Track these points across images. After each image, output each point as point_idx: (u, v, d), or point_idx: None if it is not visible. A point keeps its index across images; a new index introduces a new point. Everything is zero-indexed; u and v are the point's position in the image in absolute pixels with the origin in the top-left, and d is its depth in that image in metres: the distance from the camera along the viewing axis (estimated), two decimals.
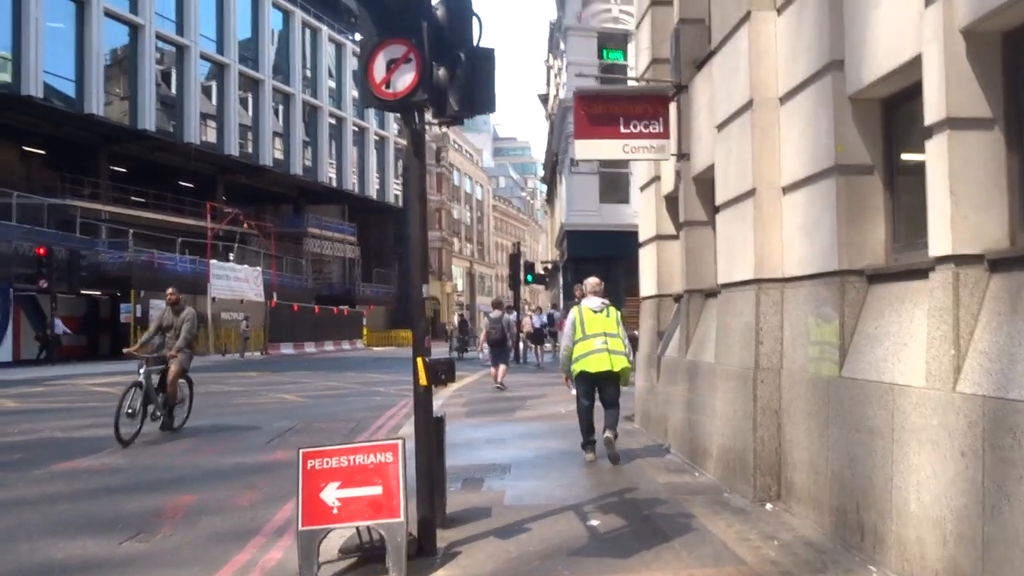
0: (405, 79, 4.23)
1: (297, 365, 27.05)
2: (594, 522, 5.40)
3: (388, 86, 4.28)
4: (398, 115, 4.49)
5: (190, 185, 47.12)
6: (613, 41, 26.79)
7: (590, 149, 8.22)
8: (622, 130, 8.02)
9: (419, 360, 4.91)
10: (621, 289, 28.35)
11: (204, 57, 42.59)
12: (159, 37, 39.60)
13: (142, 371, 10.07)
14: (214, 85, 44.24)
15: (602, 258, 27.46)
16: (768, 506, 5.62)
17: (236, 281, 38.60)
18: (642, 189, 10.18)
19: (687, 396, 7.59)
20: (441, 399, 13.83)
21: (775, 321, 5.73)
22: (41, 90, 33.42)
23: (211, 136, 44.17)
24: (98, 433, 10.36)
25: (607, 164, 27.66)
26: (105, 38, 36.29)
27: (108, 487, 7.14)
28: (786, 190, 5.69)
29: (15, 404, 14.21)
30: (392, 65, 4.24)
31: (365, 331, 50.23)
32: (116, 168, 44.55)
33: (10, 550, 5.24)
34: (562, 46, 30.27)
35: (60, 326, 29.30)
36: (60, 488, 7.17)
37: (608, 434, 7.47)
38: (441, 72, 4.47)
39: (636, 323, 10.49)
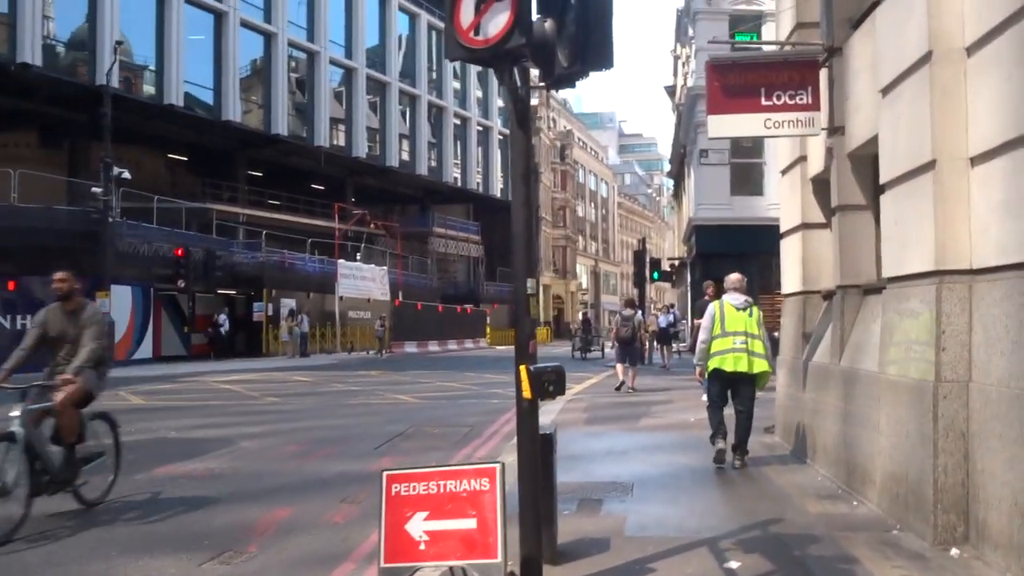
0: (497, 21, 3.46)
1: (418, 364, 26.94)
2: (733, 564, 4.50)
3: (477, 32, 3.52)
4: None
5: (321, 187, 48.34)
6: (745, 23, 25.26)
7: (726, 126, 7.25)
8: (763, 102, 7.01)
9: (522, 369, 4.15)
10: (754, 287, 26.81)
11: (334, 63, 43.49)
12: (291, 44, 40.67)
13: (17, 415, 5.85)
14: (343, 89, 45.15)
15: (733, 254, 25.93)
16: (953, 551, 4.55)
17: (363, 280, 39.16)
18: (784, 172, 9.06)
19: (841, 409, 6.51)
20: (560, 403, 13.07)
21: (962, 322, 4.64)
22: (182, 99, 34.85)
23: (340, 139, 45.12)
24: (208, 434, 10.19)
25: (739, 153, 26.19)
26: (241, 47, 37.52)
27: (206, 496, 6.76)
28: (976, 161, 4.60)
29: (142, 401, 14.44)
30: (482, 6, 3.49)
31: (488, 330, 50.14)
32: (253, 172, 46.28)
33: (83, 571, 4.84)
34: (690, 32, 28.91)
35: (225, 321, 30.68)
36: (156, 496, 6.85)
37: (737, 461, 7.24)
38: (547, 23, 3.70)
39: (771, 323, 9.58)
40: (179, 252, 27.37)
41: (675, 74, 44.65)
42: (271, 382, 18.93)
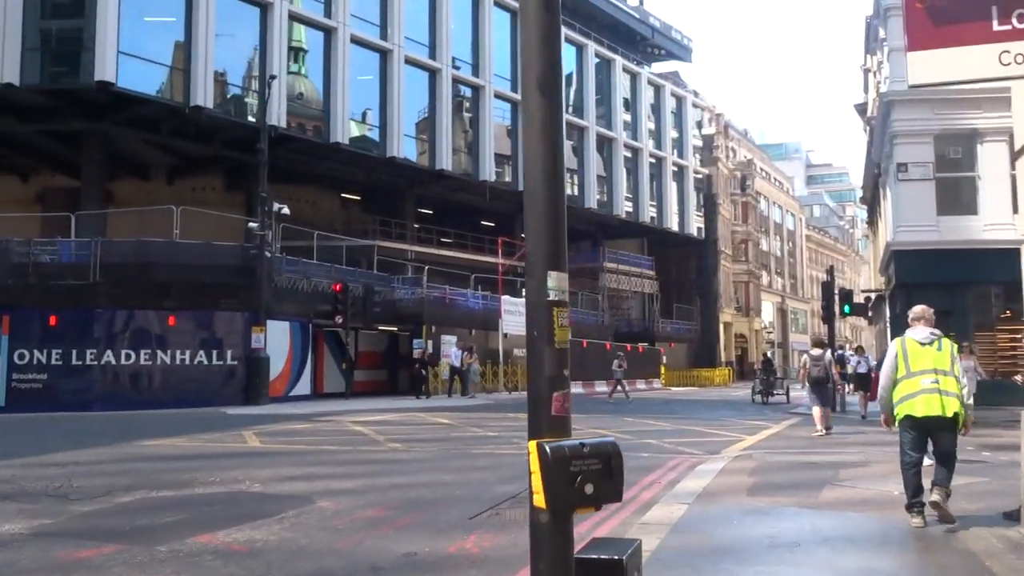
0: None
1: (577, 407, 24.84)
2: None
3: None
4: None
5: (491, 224, 47.81)
6: None
7: (935, 67, 4.96)
8: (996, 26, 4.58)
9: (532, 448, 2.22)
10: (969, 323, 22.77)
11: (499, 96, 42.94)
12: (456, 80, 40.47)
13: None
14: (508, 123, 44.47)
15: (942, 284, 22.21)
16: None
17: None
18: (1017, 157, 6.40)
19: None
20: (723, 460, 10.63)
21: None
22: (348, 138, 35.20)
23: (507, 174, 44.40)
24: (293, 489, 8.68)
25: (945, 167, 22.50)
26: (406, 85, 37.60)
27: None
28: None
29: (258, 443, 13.34)
30: None
31: (663, 369, 47.22)
32: (423, 210, 46.49)
33: None
34: (882, 34, 25.51)
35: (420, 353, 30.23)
36: None
37: (936, 496, 6.21)
38: None
39: (993, 364, 7.19)
40: (337, 288, 27.02)
41: (865, 89, 40.53)
42: (408, 424, 17.56)
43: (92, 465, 10.59)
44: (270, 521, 7.10)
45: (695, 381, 52.28)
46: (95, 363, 22.43)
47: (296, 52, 36.31)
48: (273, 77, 26.63)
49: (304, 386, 26.72)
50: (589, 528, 6.86)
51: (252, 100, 33.05)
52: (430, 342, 31.03)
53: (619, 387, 32.14)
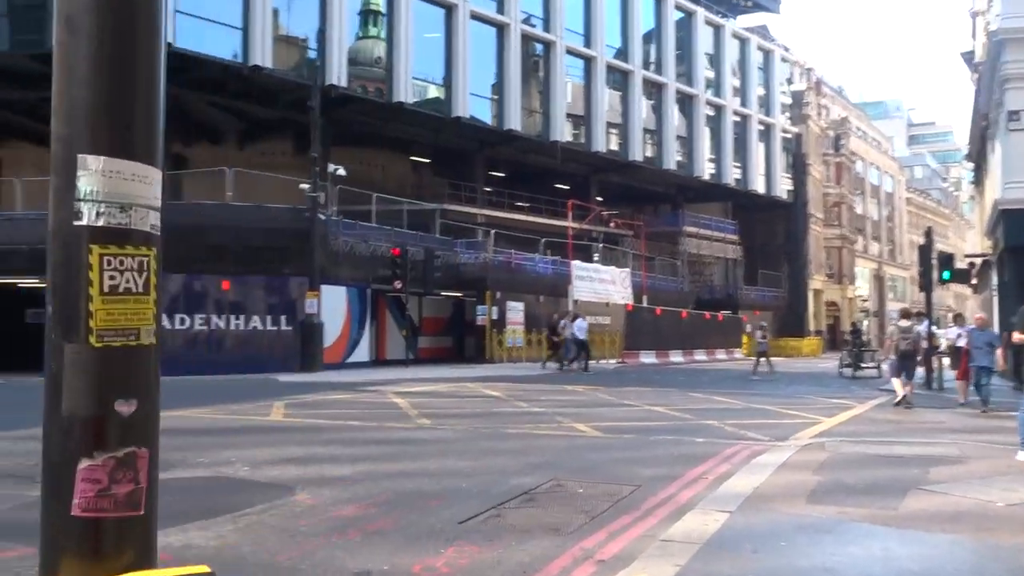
0: None
1: (641, 379, 23.36)
2: None
3: None
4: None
5: (565, 187, 46.26)
6: None
7: None
8: None
9: None
10: None
11: (571, 52, 41.09)
12: (525, 36, 38.82)
13: None
14: (582, 81, 42.61)
15: None
16: None
17: (601, 283, 36.18)
18: None
19: None
20: (788, 450, 9.10)
21: None
22: (411, 96, 34.09)
23: (582, 135, 42.67)
24: (283, 474, 7.62)
25: None
26: (471, 41, 36.20)
27: None
28: None
29: (279, 417, 12.41)
30: None
31: (745, 339, 44.96)
32: (495, 173, 45.24)
33: None
34: None
35: (566, 325, 26.74)
36: None
37: None
38: None
39: None
40: (395, 252, 26.08)
41: (974, 35, 37.04)
42: (452, 396, 16.47)
43: None
44: (227, 519, 6.03)
45: (781, 351, 49.72)
46: None
47: (368, 15, 35.37)
48: (322, 31, 25.55)
49: (362, 352, 26.00)
50: (602, 539, 5.55)
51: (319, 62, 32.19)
52: (495, 308, 29.92)
53: (762, 361, 26.31)
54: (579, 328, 26.38)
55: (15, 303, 25.35)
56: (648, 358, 33.14)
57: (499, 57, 37.79)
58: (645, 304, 37.22)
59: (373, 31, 35.07)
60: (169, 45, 26.73)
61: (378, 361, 27.35)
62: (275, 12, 29.94)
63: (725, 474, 7.85)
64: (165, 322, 22.15)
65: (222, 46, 29.17)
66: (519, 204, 45.11)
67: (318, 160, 23.97)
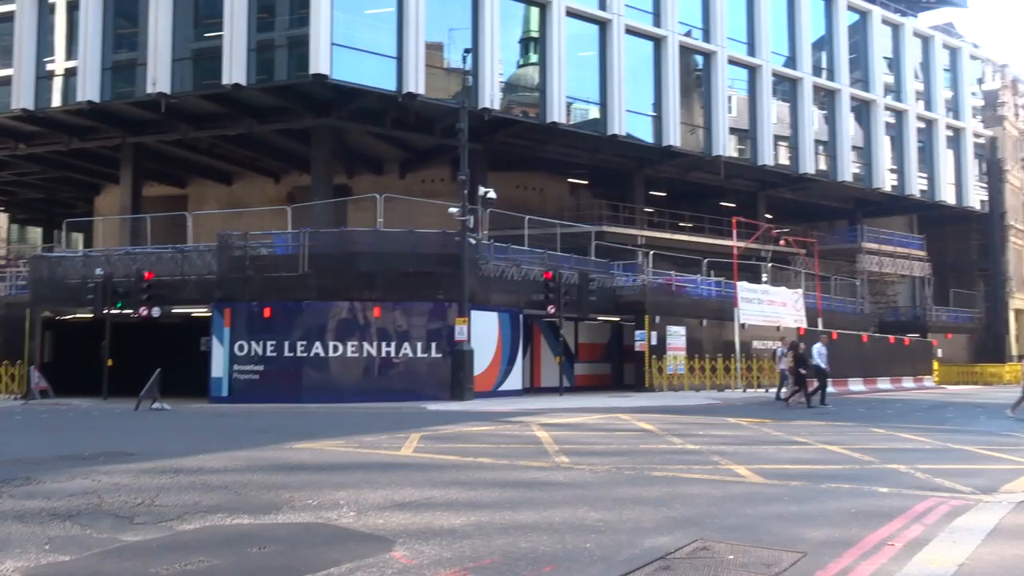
0: None
1: (815, 410, 21.12)
2: None
3: None
4: None
5: (730, 204, 44.13)
6: None
7: None
8: None
9: None
10: None
11: (733, 62, 39.11)
12: (684, 47, 37.29)
13: None
14: (745, 91, 40.45)
15: None
16: None
17: (770, 305, 33.77)
18: None
19: None
20: (999, 508, 7.32)
21: None
22: (564, 116, 33.40)
23: (748, 150, 40.47)
24: (387, 523, 6.75)
25: None
26: (627, 56, 35.11)
27: None
28: None
29: (410, 451, 11.68)
30: None
31: (936, 365, 40.76)
32: (655, 193, 43.81)
33: None
34: None
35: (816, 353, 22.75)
36: None
37: None
38: None
39: None
40: (547, 275, 25.24)
41: None
42: (600, 429, 15.27)
43: (208, 474, 9.43)
44: None
45: (977, 378, 44.99)
46: (304, 355, 22.38)
47: (528, 43, 35.18)
48: (468, 51, 25.27)
49: (515, 380, 25.25)
50: None
51: (472, 86, 32.16)
52: (654, 333, 28.41)
53: None
54: (819, 354, 22.75)
55: (188, 332, 26.57)
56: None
57: (656, 71, 36.49)
58: (820, 328, 34.41)
59: (533, 58, 34.76)
60: (325, 77, 27.57)
61: (532, 389, 26.55)
62: (428, 39, 30.12)
63: (917, 540, 6.27)
64: (318, 349, 22.36)
65: (378, 76, 29.65)
66: (681, 224, 43.36)
67: (468, 183, 23.56)
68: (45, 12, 32.78)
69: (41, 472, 9.52)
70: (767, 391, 29.01)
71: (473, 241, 23.37)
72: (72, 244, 48.83)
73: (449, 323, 22.86)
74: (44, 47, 32.76)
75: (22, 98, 32.10)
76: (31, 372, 25.66)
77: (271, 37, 29.64)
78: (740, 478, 9.50)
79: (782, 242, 39.26)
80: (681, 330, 29.55)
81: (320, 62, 27.31)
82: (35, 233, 58.66)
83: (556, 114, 32.65)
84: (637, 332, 28.53)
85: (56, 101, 32.67)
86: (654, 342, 28.43)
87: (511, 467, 10.16)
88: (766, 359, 31.99)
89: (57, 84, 32.72)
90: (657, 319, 28.79)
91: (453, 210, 23.02)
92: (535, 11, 33.89)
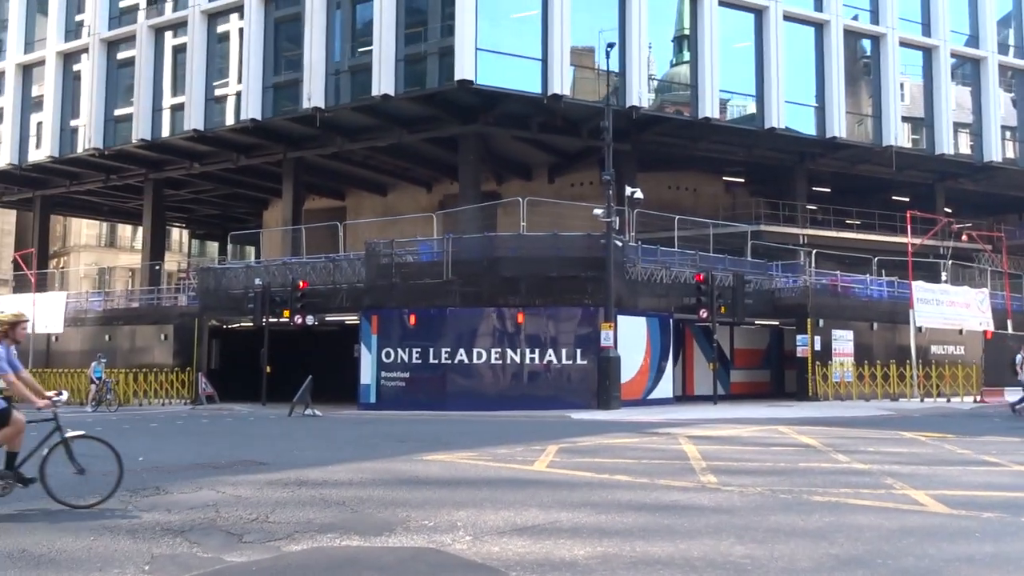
0: None
1: (1008, 425, 18.68)
2: None
3: None
4: None
5: (904, 198, 40.84)
6: None
7: None
8: None
9: None
10: None
11: (905, 44, 36.08)
12: (848, 31, 34.77)
13: None
14: (919, 77, 37.24)
15: None
16: None
17: (950, 306, 30.76)
18: None
19: None
20: None
21: None
22: (718, 111, 31.85)
23: (924, 139, 37.26)
24: (504, 552, 6.06)
25: None
26: (785, 44, 33.07)
27: None
28: None
29: (543, 466, 10.96)
30: None
31: None
32: (819, 189, 41.26)
33: None
34: None
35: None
36: None
37: None
38: None
39: None
40: (699, 278, 23.94)
41: None
42: (756, 444, 13.98)
43: (331, 488, 9.12)
44: None
45: None
46: (448, 362, 22.24)
47: (681, 41, 34.02)
48: (611, 45, 24.34)
49: (666, 388, 24.09)
50: None
51: (619, 85, 31.25)
52: (818, 337, 26.40)
53: None
54: (1022, 362, 20.76)
55: (343, 339, 27.15)
56: (1015, 395, 27.19)
57: (818, 59, 34.20)
58: (1010, 331, 30.97)
59: (686, 56, 33.49)
60: (471, 83, 27.50)
61: (684, 398, 25.29)
62: (573, 40, 29.51)
63: None
64: (462, 356, 22.13)
65: (523, 79, 29.32)
66: (847, 221, 40.48)
67: (614, 184, 22.69)
68: (213, 41, 34.72)
69: (172, 481, 9.53)
70: (948, 401, 26.29)
71: (619, 243, 22.47)
72: (244, 257, 51.83)
73: (595, 329, 22.07)
74: (212, 73, 34.69)
75: (193, 119, 34.09)
76: (199, 378, 27.02)
77: (418, 47, 29.96)
78: (918, 506, 8.15)
79: (964, 237, 35.76)
80: (848, 334, 27.31)
81: (465, 68, 27.28)
82: (212, 247, 62.78)
83: (709, 109, 31.17)
84: (799, 337, 26.61)
85: (225, 121, 34.49)
86: (818, 347, 26.41)
87: (650, 487, 9.25)
88: (946, 365, 29.07)
89: (223, 106, 34.54)
90: (821, 322, 26.74)
91: (598, 211, 22.21)
92: (687, 5, 32.56)
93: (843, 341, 27.19)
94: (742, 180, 41.59)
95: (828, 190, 41.88)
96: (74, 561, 5.95)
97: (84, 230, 62.95)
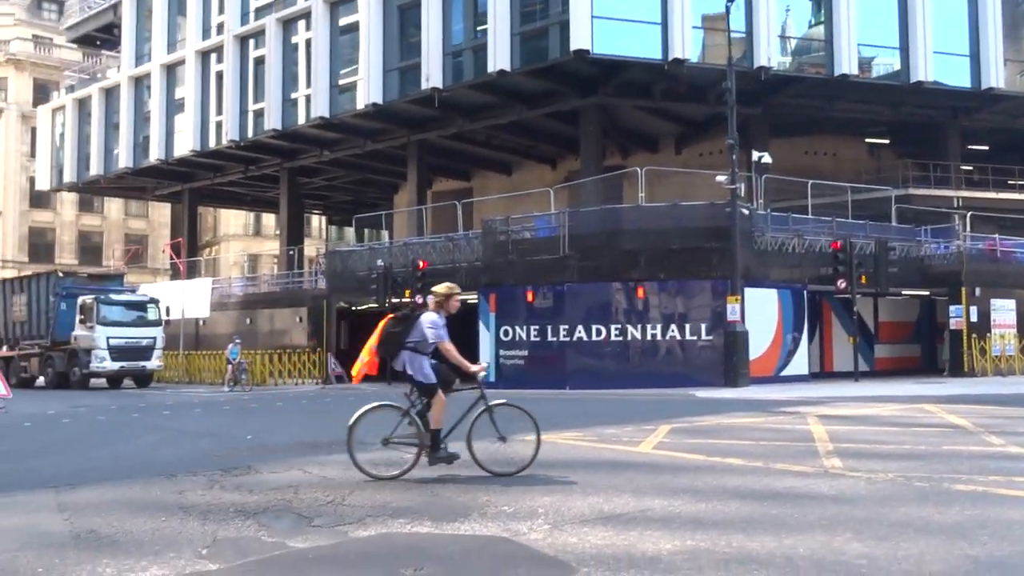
0: None
1: None
2: None
3: None
4: None
5: None
6: None
7: None
8: None
9: None
10: None
11: None
12: None
13: None
14: None
15: None
16: None
17: None
18: None
19: None
20: None
21: None
22: (856, 67, 29.55)
23: None
24: (586, 540, 5.46)
25: None
26: None
27: None
28: None
29: (650, 448, 10.20)
30: None
31: None
32: (975, 147, 37.93)
33: None
34: None
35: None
36: None
37: None
38: None
39: None
40: (835, 245, 22.25)
41: None
42: (896, 424, 12.65)
43: (418, 468, 8.75)
44: None
45: None
46: (567, 339, 21.67)
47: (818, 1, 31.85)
48: (731, 1, 22.78)
49: (800, 364, 22.58)
50: None
51: (746, 46, 29.48)
52: (974, 308, 24.08)
53: None
54: None
55: (467, 318, 27.02)
56: None
57: (971, 3, 31.11)
58: None
59: (823, 16, 31.24)
60: (587, 52, 26.63)
61: (822, 374, 23.67)
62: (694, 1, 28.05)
63: None
64: (581, 333, 21.49)
65: (642, 46, 28.16)
66: (1009, 181, 36.93)
67: (737, 147, 21.35)
68: (336, 33, 35.33)
69: (266, 460, 9.46)
70: None
71: (746, 211, 21.17)
72: (379, 240, 52.99)
73: (721, 302, 20.88)
74: (336, 61, 35.33)
75: (319, 107, 34.86)
76: (328, 359, 27.65)
77: (533, 21, 29.31)
78: None
79: None
80: (1010, 303, 24.76)
81: (580, 37, 26.43)
82: (349, 232, 64.71)
83: (847, 66, 28.95)
84: (952, 307, 24.35)
85: (350, 108, 35.09)
86: (974, 318, 24.09)
87: (764, 472, 8.37)
88: None
89: (351, 95, 35.11)
90: (978, 291, 24.35)
91: (720, 178, 20.96)
92: None
93: (1003, 311, 24.69)
94: (887, 141, 38.70)
95: (986, 148, 38.37)
96: (134, 543, 5.79)
97: (232, 220, 66.31)
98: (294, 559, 5.41)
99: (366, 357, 8.11)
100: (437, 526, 6.20)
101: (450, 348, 7.96)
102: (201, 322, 36.33)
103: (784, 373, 22.03)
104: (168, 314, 32.24)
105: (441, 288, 8.13)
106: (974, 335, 24.05)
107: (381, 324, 8.09)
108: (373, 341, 8.05)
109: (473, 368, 8.00)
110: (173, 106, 42.25)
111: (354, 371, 8.46)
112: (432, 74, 30.66)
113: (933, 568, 4.90)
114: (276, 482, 8.06)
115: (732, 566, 4.99)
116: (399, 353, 7.92)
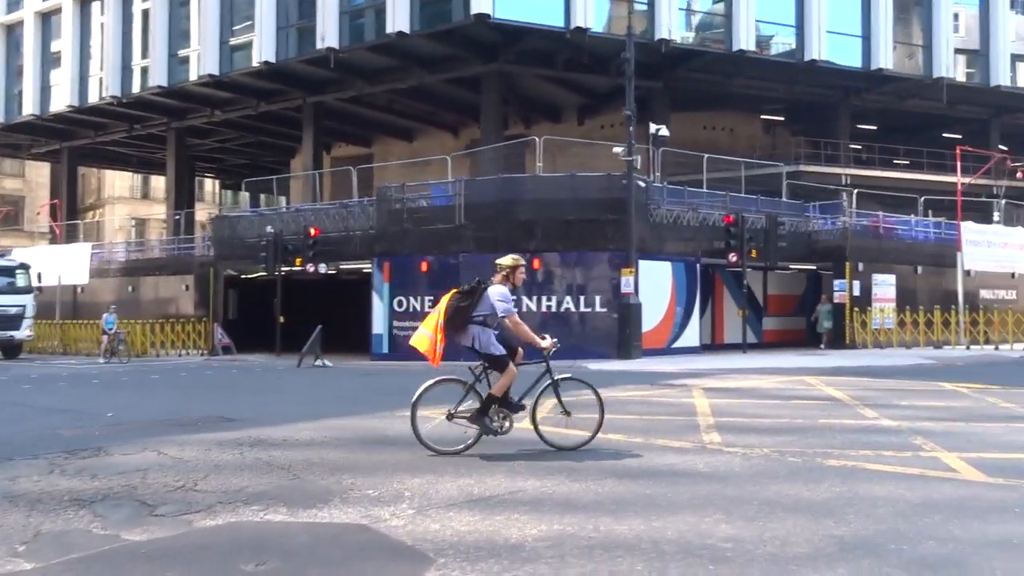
0: None
1: None
2: None
3: None
4: None
5: (955, 136, 38.57)
6: None
7: None
8: None
9: None
10: None
11: None
12: None
13: None
14: (975, 5, 34.78)
15: None
16: None
17: (1003, 248, 28.97)
18: None
19: None
20: None
21: None
22: (753, 44, 30.00)
23: (976, 72, 34.94)
24: (449, 526, 5.10)
25: None
26: None
27: None
28: None
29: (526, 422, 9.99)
30: None
31: None
32: (863, 126, 39.24)
33: None
34: None
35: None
36: None
37: None
38: None
39: None
40: (728, 219, 22.56)
41: None
42: (776, 396, 12.86)
43: (286, 449, 8.29)
44: None
45: None
46: None
47: None
48: None
49: (692, 337, 22.91)
50: None
51: (648, 17, 29.44)
52: (857, 282, 24.92)
53: None
54: None
55: (359, 288, 26.34)
56: None
57: None
58: None
59: None
60: (488, 17, 26.07)
61: (713, 346, 24.10)
62: None
63: None
64: None
65: (545, 13, 27.79)
66: (895, 160, 38.46)
67: (634, 119, 21.29)
68: None
69: (121, 440, 8.77)
70: (996, 348, 24.74)
71: (642, 184, 21.18)
72: (276, 206, 51.19)
73: (615, 274, 20.89)
74: (226, 17, 33.61)
75: (208, 64, 33.19)
76: (215, 329, 26.51)
77: None
78: (950, 472, 7.02)
79: (1019, 175, 33.61)
80: (890, 279, 25.77)
81: (482, 1, 25.83)
82: (245, 197, 62.42)
83: (744, 41, 29.34)
84: (836, 281, 25.16)
85: (241, 66, 33.52)
86: (857, 292, 24.95)
87: (643, 447, 8.25)
88: (996, 311, 27.40)
89: (242, 54, 33.52)
90: (861, 266, 25.22)
91: (617, 150, 20.88)
92: None
93: (884, 286, 25.67)
94: (781, 119, 39.69)
95: (874, 128, 39.78)
96: None
97: (118, 182, 62.99)
98: (123, 555, 4.89)
99: (435, 335, 7.63)
100: (292, 513, 5.76)
101: (519, 321, 7.84)
102: (79, 289, 34.33)
103: (676, 345, 22.30)
104: (41, 280, 30.28)
105: (506, 260, 7.93)
106: (856, 309, 24.92)
107: (445, 299, 7.74)
108: (440, 317, 7.64)
109: (543, 343, 7.81)
110: (49, 58, 39.52)
111: (423, 348, 7.74)
112: (328, 34, 29.54)
113: (798, 550, 4.77)
114: (125, 465, 7.43)
115: (596, 552, 4.75)
116: (467, 328, 7.66)
